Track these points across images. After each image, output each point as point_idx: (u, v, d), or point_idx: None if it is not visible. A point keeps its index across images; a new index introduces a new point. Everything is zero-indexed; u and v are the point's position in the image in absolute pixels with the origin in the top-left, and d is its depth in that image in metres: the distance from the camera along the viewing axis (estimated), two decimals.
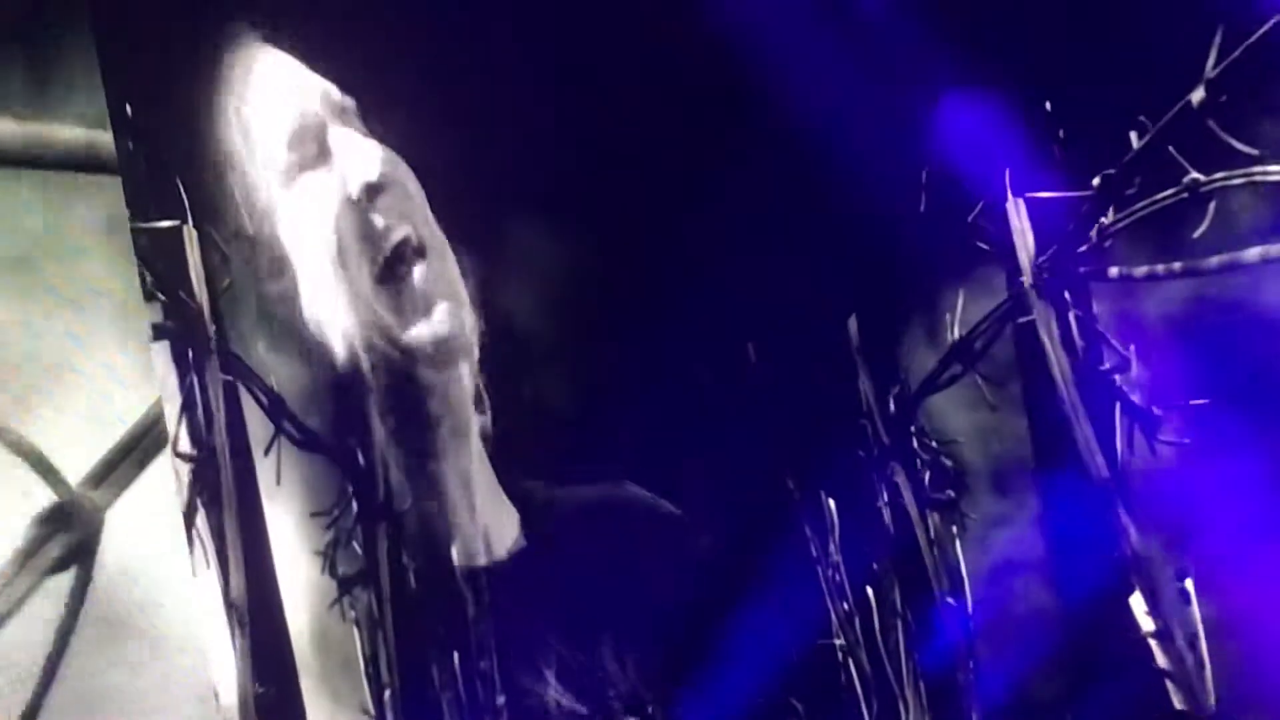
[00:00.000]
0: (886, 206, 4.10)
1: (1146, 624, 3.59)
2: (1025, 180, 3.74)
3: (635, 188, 4.09)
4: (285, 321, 3.78)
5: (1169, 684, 3.55)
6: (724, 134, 4.14)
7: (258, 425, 3.69)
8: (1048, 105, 3.80)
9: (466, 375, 3.83)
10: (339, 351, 3.76)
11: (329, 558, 3.74)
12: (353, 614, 3.70)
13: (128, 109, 3.65)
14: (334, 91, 3.84)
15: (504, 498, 3.88)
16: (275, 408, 3.72)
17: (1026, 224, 3.66)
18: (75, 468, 3.62)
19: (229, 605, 3.50)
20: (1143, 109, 3.47)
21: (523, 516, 3.89)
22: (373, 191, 3.75)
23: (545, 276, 4.04)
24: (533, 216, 4.05)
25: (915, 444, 4.12)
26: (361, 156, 3.79)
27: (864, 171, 4.07)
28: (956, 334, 4.01)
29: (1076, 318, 3.64)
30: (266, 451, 3.68)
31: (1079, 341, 3.63)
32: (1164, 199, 3.36)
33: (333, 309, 3.75)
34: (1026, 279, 3.67)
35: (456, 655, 3.69)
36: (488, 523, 3.83)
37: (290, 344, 3.78)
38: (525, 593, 3.76)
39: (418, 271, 3.76)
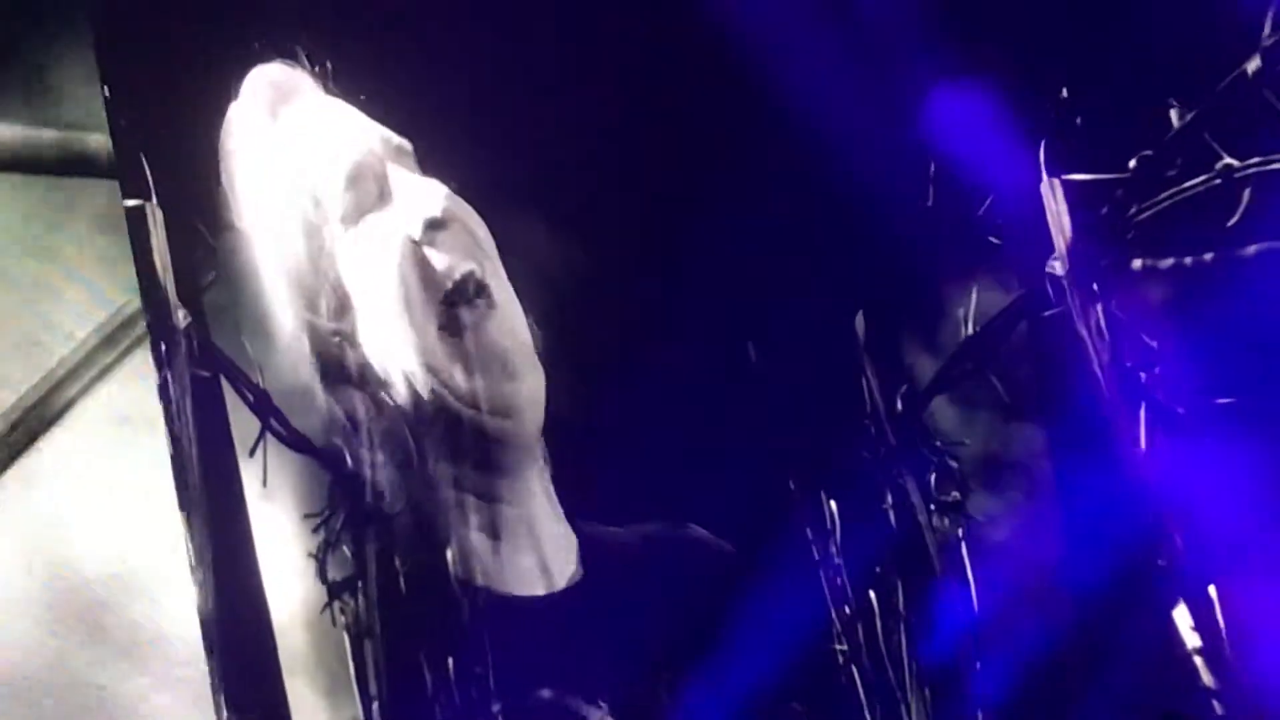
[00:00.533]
0: (893, 202, 3.99)
1: (1192, 640, 3.45)
2: (1050, 167, 3.58)
3: (655, 189, 4.04)
4: (342, 360, 3.70)
5: (1215, 703, 3.41)
6: (727, 128, 4.06)
7: (245, 425, 3.60)
8: (1064, 92, 3.64)
9: (532, 423, 3.74)
10: (403, 395, 3.68)
11: (320, 562, 3.63)
12: (343, 620, 3.59)
13: (108, 93, 3.64)
14: (391, 135, 3.79)
15: (567, 528, 3.81)
16: (261, 404, 3.61)
17: (1064, 206, 3.45)
18: None
19: (201, 622, 3.41)
20: (1164, 95, 3.35)
21: (582, 548, 3.82)
22: (434, 228, 3.68)
23: (599, 308, 3.96)
24: (589, 249, 3.97)
25: (922, 444, 3.99)
26: (422, 194, 3.73)
27: (870, 166, 3.96)
28: (970, 329, 3.88)
29: (1105, 311, 3.48)
30: (252, 452, 3.58)
31: (1106, 336, 3.47)
32: (1193, 187, 3.21)
33: (397, 353, 3.68)
34: (1063, 266, 3.48)
35: (451, 662, 3.57)
36: (549, 555, 3.76)
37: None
38: (581, 623, 3.71)
39: (484, 320, 3.69)
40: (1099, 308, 3.45)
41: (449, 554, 3.66)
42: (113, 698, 3.57)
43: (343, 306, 3.71)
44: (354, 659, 3.57)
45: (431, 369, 3.64)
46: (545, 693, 3.58)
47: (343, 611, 3.59)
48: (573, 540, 3.80)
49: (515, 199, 3.86)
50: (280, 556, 3.62)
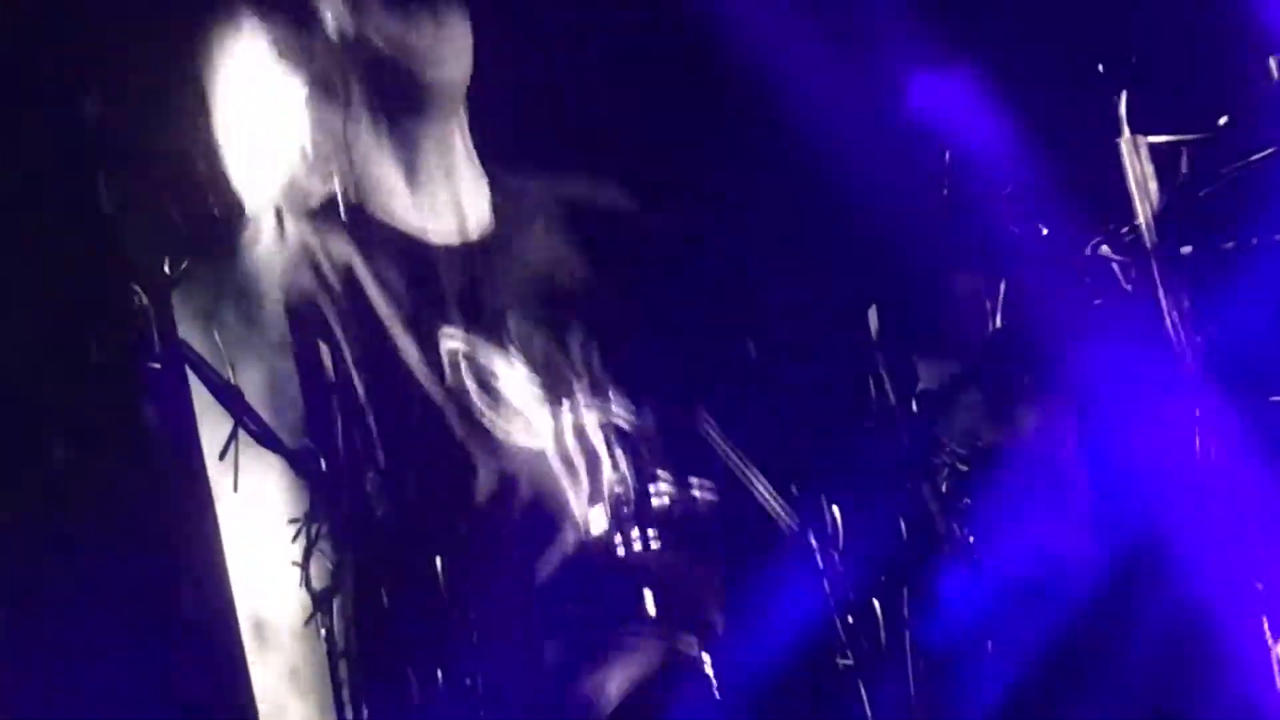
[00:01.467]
0: (907, 193, 3.79)
1: None
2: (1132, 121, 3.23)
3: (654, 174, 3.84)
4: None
5: None
6: (740, 121, 3.88)
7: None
8: (1100, 68, 3.35)
9: (457, 73, 3.71)
10: (332, 34, 3.64)
11: (304, 569, 3.48)
12: (323, 632, 3.43)
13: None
14: None
15: (481, 171, 3.77)
16: (233, 401, 3.43)
17: (1149, 169, 3.05)
18: None
19: None
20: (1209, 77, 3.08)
21: (493, 192, 3.78)
22: None
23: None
24: None
25: (936, 448, 3.76)
26: None
27: (884, 157, 3.77)
28: (996, 323, 3.64)
29: (1187, 290, 3.15)
30: (222, 455, 3.41)
31: (1188, 318, 3.14)
32: (1260, 159, 2.91)
33: None
34: (1149, 238, 3.08)
35: (440, 672, 3.45)
36: (464, 199, 3.74)
37: None
38: (496, 272, 3.69)
39: None
40: (1185, 292, 3.11)
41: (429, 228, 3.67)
42: None
43: None
44: (332, 677, 3.42)
45: (360, 11, 3.62)
46: None
47: (323, 625, 3.44)
48: (486, 192, 3.77)
49: None
50: (267, 562, 3.52)
